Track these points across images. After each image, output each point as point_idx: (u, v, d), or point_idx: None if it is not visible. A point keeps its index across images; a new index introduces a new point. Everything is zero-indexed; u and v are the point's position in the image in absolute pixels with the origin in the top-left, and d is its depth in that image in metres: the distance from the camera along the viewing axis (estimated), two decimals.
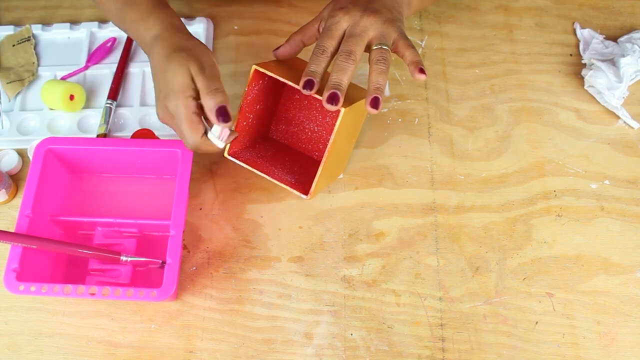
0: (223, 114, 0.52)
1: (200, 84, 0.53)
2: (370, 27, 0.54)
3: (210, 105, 0.52)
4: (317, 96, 0.52)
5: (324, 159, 0.55)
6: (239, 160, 0.59)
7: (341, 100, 0.51)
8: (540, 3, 0.78)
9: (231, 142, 0.58)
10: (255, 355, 0.60)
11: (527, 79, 0.73)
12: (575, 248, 0.64)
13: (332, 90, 0.51)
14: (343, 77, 0.51)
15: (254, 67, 0.55)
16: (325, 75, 0.53)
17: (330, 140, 0.54)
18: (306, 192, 0.56)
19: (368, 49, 0.54)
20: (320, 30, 0.57)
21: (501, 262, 0.63)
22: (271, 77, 0.59)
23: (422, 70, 0.53)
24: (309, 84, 0.51)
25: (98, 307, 0.62)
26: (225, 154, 0.59)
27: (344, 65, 0.52)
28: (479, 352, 0.60)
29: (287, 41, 0.59)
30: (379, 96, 0.52)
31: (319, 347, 0.60)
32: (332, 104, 0.51)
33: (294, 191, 0.57)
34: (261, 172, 0.58)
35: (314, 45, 0.55)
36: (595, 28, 0.76)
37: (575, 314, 0.61)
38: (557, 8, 0.78)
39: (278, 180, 0.58)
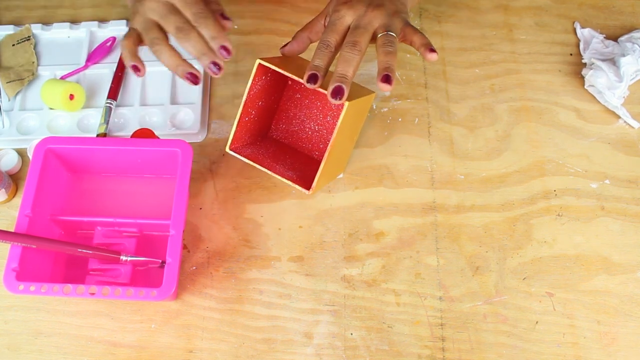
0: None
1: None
2: (375, 20, 0.53)
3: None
4: (321, 90, 0.52)
5: (327, 152, 0.54)
6: (241, 156, 0.59)
7: (346, 93, 0.50)
8: (540, 2, 0.78)
9: (233, 138, 0.58)
10: (255, 355, 0.60)
11: (527, 79, 0.73)
12: (575, 248, 0.64)
13: (336, 84, 0.50)
14: (349, 68, 0.51)
15: (258, 61, 0.55)
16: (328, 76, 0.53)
17: (334, 134, 0.54)
18: (308, 187, 0.56)
19: (374, 39, 0.54)
20: (326, 22, 0.57)
21: (501, 261, 0.63)
22: (274, 74, 0.59)
23: (432, 50, 0.53)
24: (313, 78, 0.51)
25: (98, 306, 0.62)
26: (227, 149, 0.59)
27: (349, 56, 0.51)
28: (479, 352, 0.60)
29: (293, 38, 0.59)
30: (389, 73, 0.50)
31: (319, 346, 0.60)
32: (336, 98, 0.50)
33: (296, 186, 0.57)
34: (262, 167, 0.58)
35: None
36: (596, 27, 0.76)
37: (576, 314, 0.61)
38: (557, 7, 0.78)
39: (280, 175, 0.58)
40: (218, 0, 0.57)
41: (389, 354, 0.60)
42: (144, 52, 0.56)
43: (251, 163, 0.58)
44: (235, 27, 0.78)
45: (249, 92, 0.57)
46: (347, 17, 0.54)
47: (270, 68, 0.56)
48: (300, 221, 0.66)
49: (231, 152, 0.59)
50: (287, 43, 0.58)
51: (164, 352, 0.60)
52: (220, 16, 0.56)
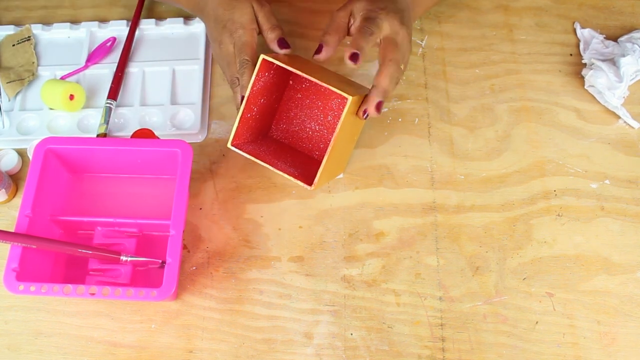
0: (283, 44, 0.62)
1: (262, 19, 0.63)
2: (404, 43, 0.59)
3: (271, 37, 0.63)
4: (332, 88, 0.54)
5: (330, 145, 0.55)
6: (243, 151, 0.59)
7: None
8: (540, 3, 0.78)
9: (234, 134, 0.59)
10: (255, 355, 0.60)
11: (527, 79, 0.73)
12: (575, 248, 0.64)
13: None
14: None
15: (262, 56, 0.55)
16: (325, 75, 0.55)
17: (337, 128, 0.54)
18: (310, 183, 0.56)
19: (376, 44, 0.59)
20: (351, 23, 0.60)
21: (501, 261, 0.63)
22: (276, 72, 0.59)
23: (365, 111, 0.58)
24: (354, 57, 0.55)
25: (98, 307, 0.62)
26: (229, 145, 0.59)
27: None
28: (479, 352, 0.60)
29: (325, 44, 0.58)
30: (382, 100, 0.58)
31: (319, 347, 0.60)
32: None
33: (298, 182, 0.57)
34: (264, 162, 0.58)
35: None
36: (596, 28, 0.76)
37: (576, 314, 0.61)
38: (557, 8, 0.78)
39: (281, 171, 0.58)
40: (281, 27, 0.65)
41: (389, 354, 0.60)
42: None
43: (252, 159, 0.58)
44: None
45: (252, 88, 0.57)
46: (384, 27, 0.58)
47: (272, 64, 0.56)
48: (300, 221, 0.66)
49: (233, 148, 0.59)
50: (320, 50, 0.58)
51: (164, 352, 0.60)
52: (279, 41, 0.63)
